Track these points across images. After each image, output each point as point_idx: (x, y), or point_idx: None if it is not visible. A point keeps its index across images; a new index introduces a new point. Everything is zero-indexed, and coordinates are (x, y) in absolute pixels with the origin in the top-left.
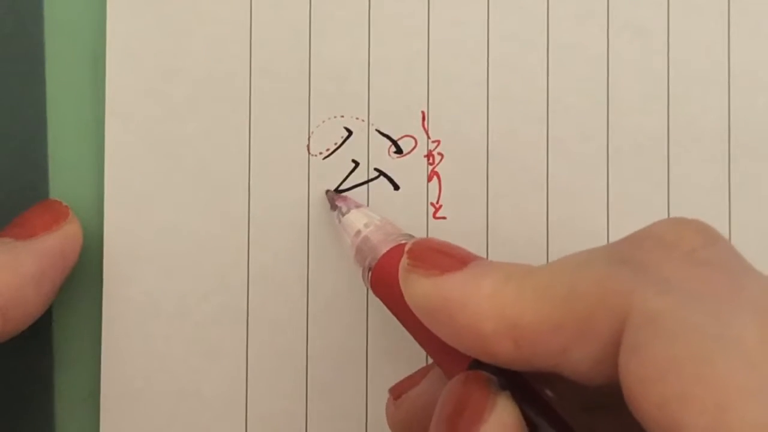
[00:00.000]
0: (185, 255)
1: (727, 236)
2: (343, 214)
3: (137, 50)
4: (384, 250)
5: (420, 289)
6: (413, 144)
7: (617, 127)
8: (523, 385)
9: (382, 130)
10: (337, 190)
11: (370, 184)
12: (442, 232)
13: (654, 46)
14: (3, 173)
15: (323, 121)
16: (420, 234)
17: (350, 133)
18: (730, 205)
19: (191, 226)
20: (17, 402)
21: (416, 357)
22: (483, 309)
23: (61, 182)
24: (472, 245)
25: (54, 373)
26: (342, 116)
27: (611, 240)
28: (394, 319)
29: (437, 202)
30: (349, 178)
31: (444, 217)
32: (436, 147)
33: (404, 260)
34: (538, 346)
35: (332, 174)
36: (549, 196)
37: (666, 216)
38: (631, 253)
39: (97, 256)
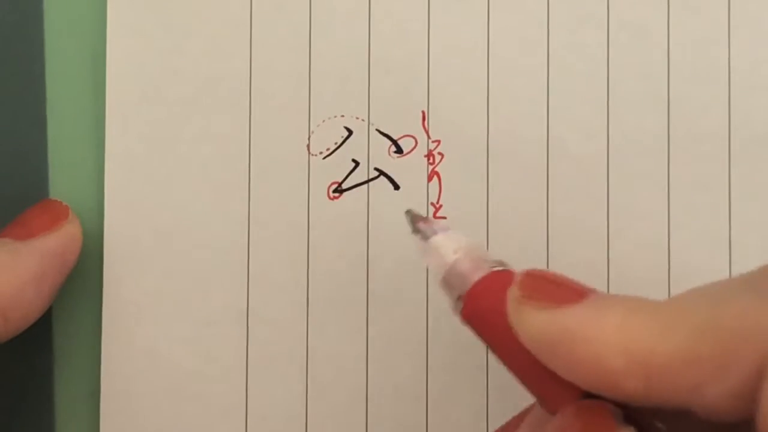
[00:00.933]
0: (185, 255)
1: (727, 236)
2: (428, 238)
3: (137, 50)
4: (476, 278)
5: (535, 321)
6: (413, 144)
7: (617, 127)
8: (636, 417)
9: (382, 130)
10: (338, 190)
11: (370, 183)
12: None
13: (654, 46)
14: (3, 173)
15: (323, 121)
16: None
17: (350, 132)
18: (730, 205)
19: (191, 226)
20: (17, 402)
21: (416, 357)
22: (609, 342)
23: (61, 182)
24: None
25: (54, 373)
26: (342, 116)
27: (611, 240)
28: (395, 319)
29: (437, 202)
30: (349, 178)
31: (444, 217)
32: (436, 147)
33: (515, 291)
34: (671, 381)
35: (332, 173)
36: (549, 196)
37: (666, 216)
38: None
39: (97, 256)
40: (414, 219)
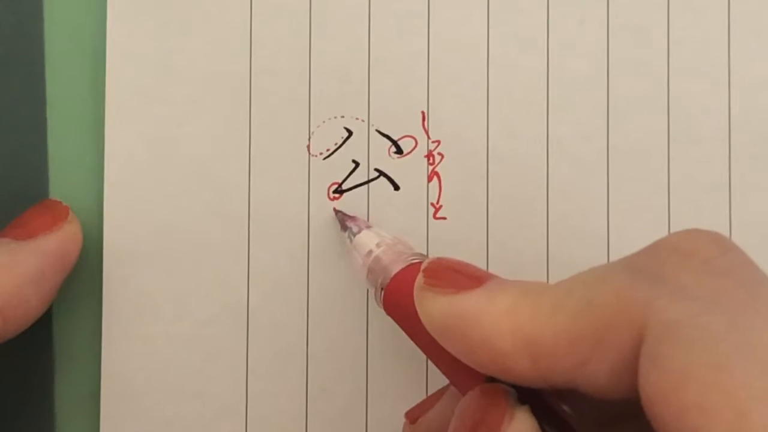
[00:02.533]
0: (185, 255)
1: (727, 236)
2: (354, 234)
3: (137, 50)
4: (396, 269)
5: (435, 307)
6: (413, 144)
7: (617, 127)
8: (539, 400)
9: (382, 130)
10: (338, 191)
11: (370, 184)
12: (442, 233)
13: (654, 46)
14: (3, 173)
15: (323, 121)
16: (420, 235)
17: (350, 133)
18: (730, 205)
19: (191, 226)
20: (17, 402)
21: (416, 357)
22: (499, 326)
23: (61, 182)
24: (472, 245)
25: (54, 373)
26: (342, 116)
27: (611, 240)
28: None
29: (437, 203)
30: (349, 179)
31: (444, 218)
32: (436, 147)
33: (420, 278)
34: (555, 361)
35: (332, 174)
36: (549, 196)
37: (666, 216)
38: (648, 263)
39: (97, 256)
40: (342, 218)
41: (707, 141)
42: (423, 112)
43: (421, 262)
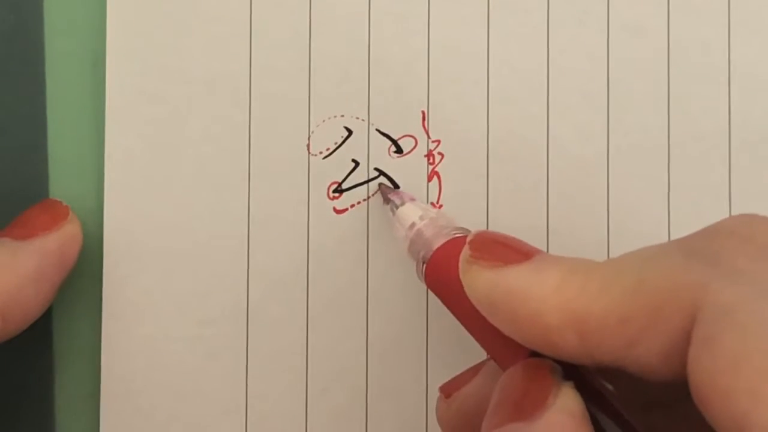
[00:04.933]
0: (185, 255)
1: None
2: (397, 207)
3: (137, 50)
4: (439, 243)
5: (481, 280)
6: (413, 144)
7: (617, 127)
8: (582, 378)
9: (382, 130)
10: (338, 190)
11: (370, 183)
12: None
13: (654, 46)
14: (3, 173)
15: (323, 121)
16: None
17: (350, 132)
18: (730, 205)
19: (191, 226)
20: (17, 402)
21: (417, 357)
22: (547, 301)
23: (61, 182)
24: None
25: (54, 373)
26: (342, 116)
27: (611, 240)
28: (395, 319)
29: (437, 202)
30: (349, 178)
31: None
32: (436, 147)
33: (465, 251)
34: (603, 339)
35: (332, 173)
36: (549, 196)
37: (666, 216)
38: (704, 246)
39: (97, 256)
40: (385, 191)
41: (707, 141)
42: (423, 112)
43: (464, 237)
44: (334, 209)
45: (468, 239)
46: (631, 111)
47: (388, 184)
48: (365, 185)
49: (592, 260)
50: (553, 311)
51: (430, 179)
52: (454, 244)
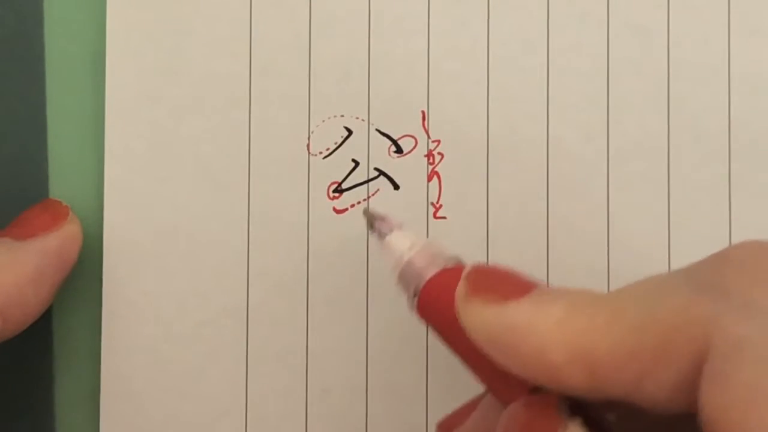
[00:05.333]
0: (185, 255)
1: (727, 236)
2: (384, 235)
3: (137, 50)
4: (430, 274)
5: (481, 316)
6: (413, 144)
7: (617, 127)
8: (585, 411)
9: (382, 130)
10: (338, 190)
11: (370, 183)
12: (442, 232)
13: (654, 46)
14: (3, 173)
15: (323, 121)
16: (420, 235)
17: (350, 132)
18: (730, 205)
19: (191, 226)
20: (17, 402)
21: (417, 357)
22: (551, 337)
23: (61, 182)
24: (472, 245)
25: (54, 373)
26: (342, 116)
27: (611, 240)
28: (395, 319)
29: (437, 202)
30: (349, 178)
31: (444, 217)
32: (436, 147)
33: (462, 287)
34: (612, 374)
35: (332, 173)
36: (549, 196)
37: (666, 216)
38: (711, 277)
39: (97, 256)
40: (371, 218)
41: (707, 141)
42: (423, 112)
43: (457, 266)
44: (334, 209)
45: (464, 273)
46: (631, 111)
47: (374, 212)
48: (365, 185)
49: (595, 292)
50: (559, 347)
51: (430, 179)
52: (447, 276)
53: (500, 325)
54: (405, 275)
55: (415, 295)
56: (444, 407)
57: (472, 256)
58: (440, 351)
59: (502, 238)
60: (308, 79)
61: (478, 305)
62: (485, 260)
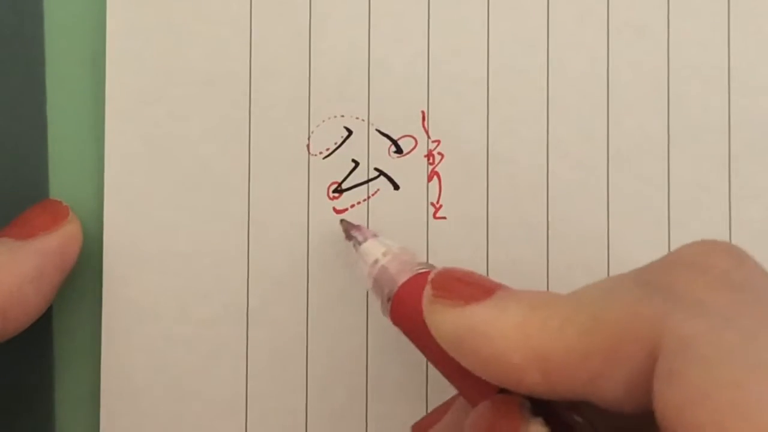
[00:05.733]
0: (185, 255)
1: (727, 236)
2: (360, 243)
3: (137, 50)
4: (402, 279)
5: (445, 319)
6: (413, 144)
7: (617, 127)
8: (551, 411)
9: (382, 130)
10: (338, 190)
11: (370, 183)
12: (442, 232)
13: (654, 46)
14: (3, 173)
15: (323, 121)
16: (420, 235)
17: (350, 132)
18: (730, 205)
19: (191, 226)
20: (17, 402)
21: (416, 357)
22: (509, 340)
23: (61, 182)
24: (472, 245)
25: (54, 373)
26: (342, 116)
27: (611, 240)
28: None
29: (437, 202)
30: (349, 178)
31: (444, 217)
32: (436, 147)
33: (428, 290)
34: (566, 375)
35: (332, 173)
36: (549, 196)
37: (666, 216)
38: (661, 277)
39: (97, 256)
40: (347, 227)
41: (707, 141)
42: (423, 112)
43: (428, 272)
44: (334, 209)
45: (430, 278)
46: (631, 111)
47: (349, 222)
48: (365, 185)
49: (554, 294)
50: (516, 349)
51: (430, 179)
52: (419, 281)
53: (462, 327)
54: (379, 281)
55: (388, 300)
56: None
57: (472, 256)
58: None
59: (501, 238)
60: (308, 79)
61: (443, 308)
62: (485, 260)
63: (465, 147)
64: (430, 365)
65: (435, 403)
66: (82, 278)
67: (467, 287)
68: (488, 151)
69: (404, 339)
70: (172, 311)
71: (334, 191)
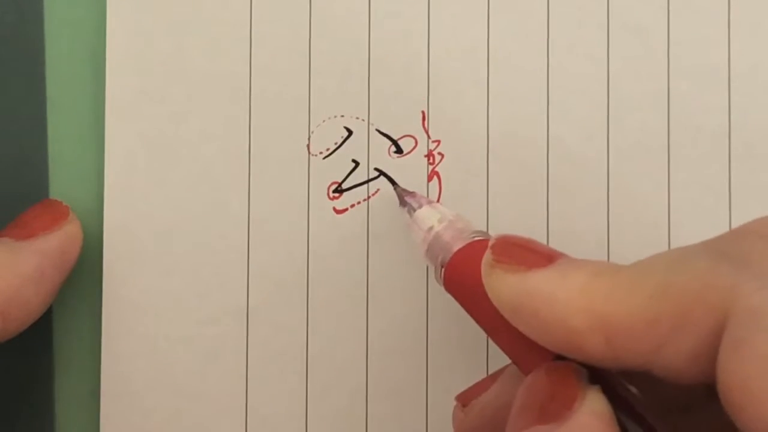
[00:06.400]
0: (185, 255)
1: None
2: (414, 210)
3: (137, 50)
4: (458, 246)
5: (505, 284)
6: (413, 144)
7: (618, 127)
8: (607, 381)
9: (382, 130)
10: (338, 190)
11: (370, 184)
12: None
13: (654, 45)
14: (3, 173)
15: (323, 121)
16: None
17: (350, 132)
18: (730, 205)
19: (191, 226)
20: (17, 402)
21: (417, 357)
22: (573, 305)
23: (61, 182)
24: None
25: (54, 373)
26: (342, 116)
27: (611, 240)
28: (395, 319)
29: (437, 202)
30: (349, 178)
31: None
32: (436, 147)
33: (488, 256)
34: (630, 342)
35: (332, 173)
36: (549, 196)
37: (666, 216)
38: (732, 248)
39: (97, 256)
40: (401, 194)
41: (707, 140)
42: (423, 112)
43: (483, 240)
44: (334, 209)
45: (490, 243)
46: (631, 111)
47: (396, 184)
48: (365, 185)
49: (616, 264)
50: (580, 315)
51: (430, 179)
52: (474, 248)
53: (523, 292)
54: (433, 248)
55: (442, 267)
56: (444, 407)
57: None
58: (440, 351)
59: None
60: (308, 79)
61: (503, 273)
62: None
63: (465, 147)
64: (431, 365)
65: (435, 403)
66: (82, 278)
67: (529, 253)
68: (488, 151)
69: (404, 339)
70: (172, 311)
71: (334, 191)
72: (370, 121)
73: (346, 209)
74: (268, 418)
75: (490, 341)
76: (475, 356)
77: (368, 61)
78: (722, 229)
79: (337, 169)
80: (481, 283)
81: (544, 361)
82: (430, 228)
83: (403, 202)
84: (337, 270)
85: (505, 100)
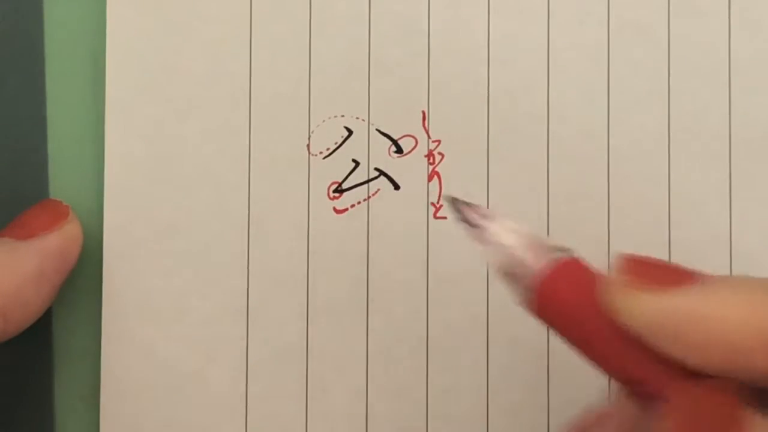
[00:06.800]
0: (185, 255)
1: (727, 236)
2: (477, 225)
3: (137, 50)
4: (544, 268)
5: (647, 305)
6: (413, 144)
7: (617, 127)
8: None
9: (382, 130)
10: (338, 190)
11: (370, 183)
12: (442, 232)
13: (654, 45)
14: (3, 173)
15: (323, 121)
16: (420, 235)
17: (350, 132)
18: (730, 205)
19: (191, 226)
20: (17, 402)
21: (417, 357)
22: (735, 322)
23: (61, 182)
24: (473, 245)
25: (54, 373)
26: (342, 116)
27: (612, 240)
28: (394, 318)
29: (437, 202)
30: (349, 178)
31: (444, 217)
32: (436, 147)
33: (615, 276)
34: None
35: (332, 173)
36: (549, 196)
37: (666, 216)
38: None
39: (97, 256)
40: (458, 207)
41: (707, 140)
42: (423, 112)
43: (573, 259)
44: (334, 209)
45: (617, 264)
46: (632, 110)
47: (460, 199)
48: (365, 185)
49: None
50: (744, 331)
51: (430, 179)
52: (566, 269)
53: (669, 311)
54: (512, 269)
55: (525, 290)
56: (444, 407)
57: (473, 256)
58: (440, 351)
59: None
60: (308, 79)
61: (639, 294)
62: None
63: (465, 147)
64: (431, 365)
65: (435, 403)
66: (82, 278)
67: (666, 272)
68: (488, 151)
69: (404, 339)
70: (172, 311)
71: (334, 191)
72: (370, 121)
73: (346, 209)
74: (268, 418)
75: (490, 341)
76: (476, 356)
77: (368, 61)
78: (722, 229)
79: (337, 169)
80: (583, 307)
81: (671, 381)
82: (506, 247)
83: (463, 218)
84: (337, 270)
85: (505, 101)
